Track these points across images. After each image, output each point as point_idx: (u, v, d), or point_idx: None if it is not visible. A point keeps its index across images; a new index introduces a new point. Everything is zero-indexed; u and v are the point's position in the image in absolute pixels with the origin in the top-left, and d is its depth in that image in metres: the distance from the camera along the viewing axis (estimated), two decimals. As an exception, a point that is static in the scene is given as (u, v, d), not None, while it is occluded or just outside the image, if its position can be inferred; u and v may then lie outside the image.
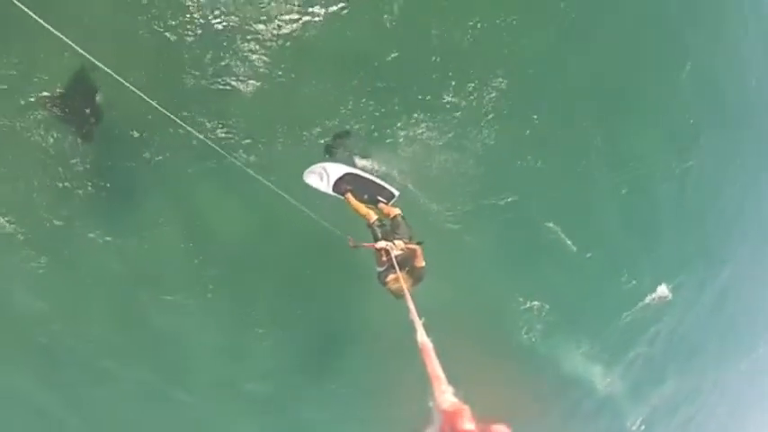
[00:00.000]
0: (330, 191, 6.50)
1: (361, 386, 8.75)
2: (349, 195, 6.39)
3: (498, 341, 10.03)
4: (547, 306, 10.11)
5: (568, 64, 8.17)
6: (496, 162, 8.17)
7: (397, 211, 6.24)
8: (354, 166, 6.88)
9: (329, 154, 7.02)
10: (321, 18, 6.63)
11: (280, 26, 6.53)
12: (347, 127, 7.11)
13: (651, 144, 9.67)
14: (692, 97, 9.75)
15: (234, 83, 6.57)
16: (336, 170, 6.52)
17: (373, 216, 6.04)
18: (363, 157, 7.28)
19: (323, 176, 6.45)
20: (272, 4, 6.48)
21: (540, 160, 8.59)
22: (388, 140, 7.41)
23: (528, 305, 10.04)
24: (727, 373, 16.53)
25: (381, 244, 5.57)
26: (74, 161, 6.58)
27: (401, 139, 7.48)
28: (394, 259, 5.43)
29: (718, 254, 12.54)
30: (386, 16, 6.86)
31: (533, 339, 10.32)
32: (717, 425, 17.51)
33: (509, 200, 8.70)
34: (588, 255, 9.89)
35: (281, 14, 6.51)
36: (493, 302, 9.60)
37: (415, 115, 7.45)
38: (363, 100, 7.12)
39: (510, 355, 10.21)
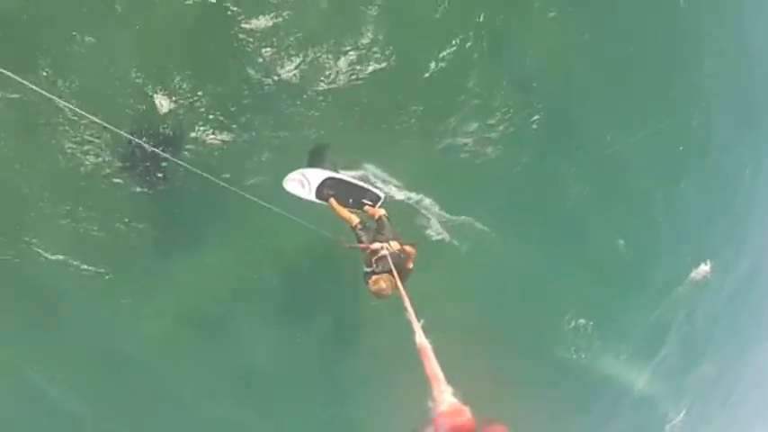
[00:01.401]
0: (313, 197, 6.24)
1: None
2: (332, 200, 6.13)
3: (536, 353, 10.19)
4: (586, 317, 10.36)
5: (577, 65, 8.30)
6: (519, 174, 8.32)
7: (381, 211, 6.08)
8: (336, 170, 6.61)
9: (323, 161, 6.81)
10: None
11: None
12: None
13: (671, 143, 9.80)
14: (708, 92, 9.93)
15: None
16: (317, 175, 6.26)
17: (355, 219, 5.84)
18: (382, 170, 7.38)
19: (304, 183, 6.17)
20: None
21: (563, 168, 8.79)
22: (413, 158, 7.60)
23: (569, 321, 10.30)
24: (760, 352, 16.21)
25: (377, 245, 5.39)
26: (149, 208, 6.68)
27: (421, 157, 7.67)
28: (389, 260, 5.24)
29: (743, 238, 12.64)
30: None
31: (576, 354, 10.54)
32: (754, 405, 17.05)
33: (538, 210, 8.86)
34: (621, 253, 10.13)
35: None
36: (534, 316, 9.78)
37: (431, 127, 7.58)
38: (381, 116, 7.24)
39: (546, 366, 10.42)
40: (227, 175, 6.35)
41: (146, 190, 6.55)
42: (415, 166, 7.56)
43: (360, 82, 6.77)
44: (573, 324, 10.29)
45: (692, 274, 11.51)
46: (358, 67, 6.72)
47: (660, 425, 14.17)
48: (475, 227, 8.34)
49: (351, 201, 6.34)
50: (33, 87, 5.04)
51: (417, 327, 4.19)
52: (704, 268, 11.50)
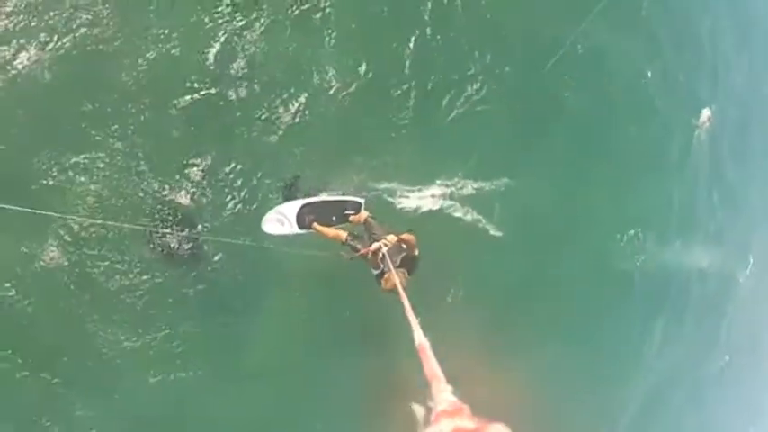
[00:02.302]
0: (296, 230, 6.27)
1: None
2: (315, 225, 6.20)
3: (601, 278, 10.39)
4: (633, 227, 10.61)
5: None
6: (517, 116, 8.82)
7: (365, 214, 6.17)
8: (309, 195, 6.67)
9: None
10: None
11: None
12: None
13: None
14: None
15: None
16: (292, 207, 6.30)
17: (343, 234, 5.93)
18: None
19: (282, 220, 6.22)
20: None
21: (550, 90, 9.21)
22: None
23: (621, 237, 10.58)
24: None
25: (375, 246, 5.52)
26: (205, 296, 6.86)
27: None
28: (387, 257, 5.37)
29: (727, 92, 12.84)
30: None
31: (638, 262, 10.80)
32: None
33: (549, 142, 9.24)
34: (635, 145, 10.45)
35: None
36: (585, 248, 10.00)
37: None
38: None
39: (614, 285, 10.63)
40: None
41: (197, 286, 6.72)
42: (427, 160, 8.04)
43: (352, 102, 7.30)
44: (625, 238, 10.54)
45: (697, 132, 11.80)
46: (348, 90, 7.28)
47: (734, 285, 14.08)
48: (500, 184, 8.64)
49: (334, 218, 6.34)
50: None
51: (416, 325, 4.25)
52: (706, 113, 11.82)
